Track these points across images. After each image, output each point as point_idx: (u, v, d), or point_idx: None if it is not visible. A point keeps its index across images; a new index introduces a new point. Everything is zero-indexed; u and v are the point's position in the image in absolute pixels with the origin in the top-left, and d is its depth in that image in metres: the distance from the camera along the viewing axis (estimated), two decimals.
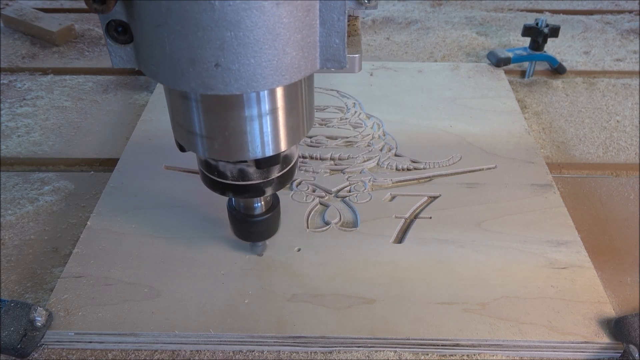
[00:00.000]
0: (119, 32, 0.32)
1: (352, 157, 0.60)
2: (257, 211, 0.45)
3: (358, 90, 0.72)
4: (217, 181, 0.41)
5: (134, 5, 0.30)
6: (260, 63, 0.31)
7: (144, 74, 0.77)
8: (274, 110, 0.35)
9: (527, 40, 0.79)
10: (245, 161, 0.38)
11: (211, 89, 0.31)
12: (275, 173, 0.40)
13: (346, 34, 0.33)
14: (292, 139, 0.38)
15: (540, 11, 1.00)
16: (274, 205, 0.45)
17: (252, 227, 0.45)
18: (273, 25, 0.30)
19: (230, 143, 0.36)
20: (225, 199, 0.53)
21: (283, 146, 0.37)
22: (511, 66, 0.79)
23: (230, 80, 0.31)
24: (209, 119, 0.35)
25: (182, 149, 0.40)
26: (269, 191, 0.41)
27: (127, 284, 0.46)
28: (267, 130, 0.36)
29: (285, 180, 0.42)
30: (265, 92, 0.34)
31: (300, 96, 0.36)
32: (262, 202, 0.44)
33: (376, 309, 0.44)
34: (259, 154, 0.37)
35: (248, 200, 0.44)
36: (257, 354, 0.43)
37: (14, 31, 0.92)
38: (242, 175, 0.39)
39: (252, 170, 0.39)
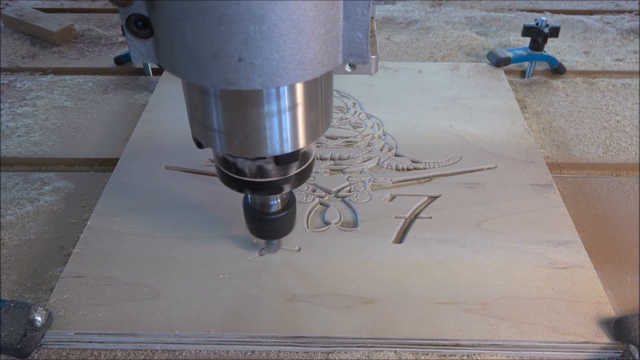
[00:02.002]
0: (139, 26, 0.32)
1: (352, 157, 0.60)
2: (273, 209, 0.44)
3: (358, 90, 0.72)
4: (235, 178, 0.40)
5: None
6: (284, 57, 0.30)
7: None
8: (294, 107, 0.35)
9: (527, 40, 0.79)
10: (264, 158, 0.38)
11: (233, 84, 0.31)
12: (294, 170, 0.40)
13: (369, 29, 0.32)
14: (311, 135, 0.37)
15: (540, 11, 1.00)
16: (290, 202, 0.45)
17: (268, 225, 0.45)
18: (297, 19, 0.29)
19: (250, 139, 0.35)
20: (229, 198, 0.53)
21: (302, 143, 0.37)
22: (511, 66, 0.79)
23: (253, 75, 0.30)
24: (228, 115, 0.35)
25: (199, 145, 0.39)
26: (286, 188, 0.41)
27: (127, 284, 0.46)
28: (287, 127, 0.35)
29: (303, 177, 0.41)
30: (286, 87, 0.34)
31: (320, 92, 0.36)
32: (279, 200, 0.44)
33: (376, 309, 0.44)
34: (278, 151, 0.36)
35: (264, 198, 0.43)
36: (257, 354, 0.43)
37: (14, 31, 0.92)
38: (261, 172, 0.39)
39: (270, 167, 0.39)
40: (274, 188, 0.40)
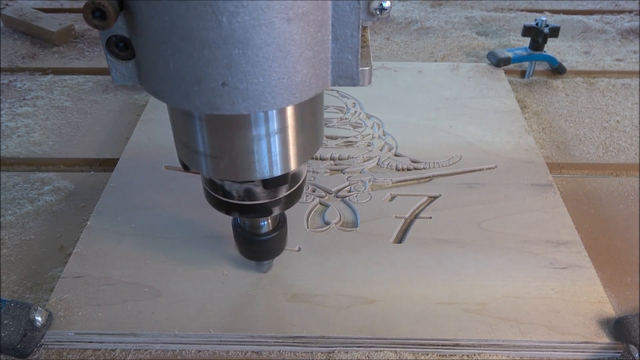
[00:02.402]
0: (120, 47, 0.31)
1: (352, 157, 0.60)
2: (264, 230, 0.43)
3: (358, 90, 0.72)
4: (223, 201, 0.39)
5: (136, 21, 0.29)
6: (270, 82, 0.29)
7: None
8: (282, 130, 0.34)
9: (527, 40, 0.79)
10: (252, 181, 0.37)
11: (218, 108, 0.30)
12: (283, 192, 0.39)
13: (359, 50, 0.31)
14: (301, 158, 0.36)
15: (540, 11, 1.00)
16: (280, 223, 0.44)
17: (258, 247, 0.44)
18: (283, 43, 0.28)
19: (237, 163, 0.34)
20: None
21: (292, 166, 0.36)
22: (511, 66, 0.79)
23: (238, 99, 0.29)
24: (214, 139, 0.34)
25: (185, 168, 0.39)
26: (276, 211, 0.40)
27: (127, 284, 0.46)
28: (275, 150, 0.34)
29: (293, 199, 0.40)
30: (274, 111, 0.33)
31: (309, 114, 0.35)
32: (269, 221, 0.43)
33: (376, 309, 0.44)
34: (266, 174, 0.35)
35: (254, 219, 0.42)
36: (257, 354, 0.43)
37: (14, 31, 0.92)
38: (249, 195, 0.38)
39: (259, 189, 0.38)
40: (263, 211, 0.39)
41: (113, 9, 0.28)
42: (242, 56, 0.28)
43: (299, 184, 0.40)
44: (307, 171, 0.58)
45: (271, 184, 0.37)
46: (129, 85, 0.77)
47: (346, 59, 0.31)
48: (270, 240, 0.43)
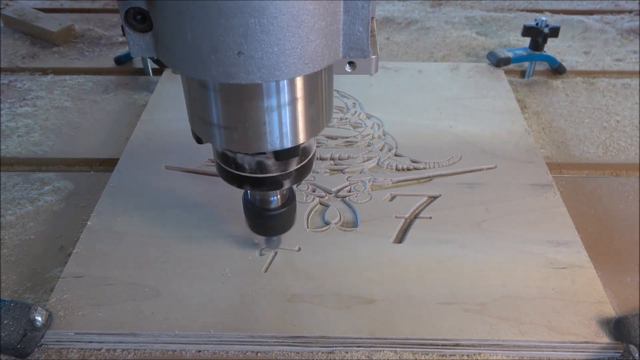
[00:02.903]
0: (138, 20, 0.32)
1: (352, 157, 0.60)
2: (273, 205, 0.44)
3: (358, 90, 0.72)
4: (234, 174, 0.40)
5: None
6: (284, 51, 0.30)
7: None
8: (294, 101, 0.35)
9: (527, 40, 0.79)
10: (264, 153, 0.38)
11: (233, 77, 0.31)
12: (294, 165, 0.40)
13: (370, 23, 0.32)
14: (312, 130, 0.37)
15: (540, 11, 1.00)
16: (290, 199, 0.45)
17: (267, 222, 0.45)
18: (297, 12, 0.29)
19: (249, 134, 0.35)
20: (229, 198, 0.52)
21: (302, 138, 0.37)
22: (511, 66, 0.79)
23: (253, 68, 0.30)
24: (228, 109, 0.35)
25: (199, 140, 0.39)
26: (286, 184, 0.41)
27: (127, 284, 0.46)
28: (287, 121, 0.35)
29: (303, 172, 0.41)
30: (286, 81, 0.33)
31: (320, 87, 0.36)
32: (279, 196, 0.44)
33: (376, 309, 0.44)
34: (278, 146, 0.36)
35: (264, 194, 0.43)
36: (257, 354, 0.43)
37: (14, 31, 0.92)
38: (260, 167, 0.39)
39: (270, 162, 0.39)
40: (274, 184, 0.40)
41: None
42: (258, 25, 0.29)
43: (308, 158, 0.41)
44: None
45: (282, 155, 0.37)
46: (129, 85, 0.78)
47: (357, 31, 0.32)
48: (279, 216, 0.44)
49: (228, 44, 0.29)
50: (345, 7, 0.32)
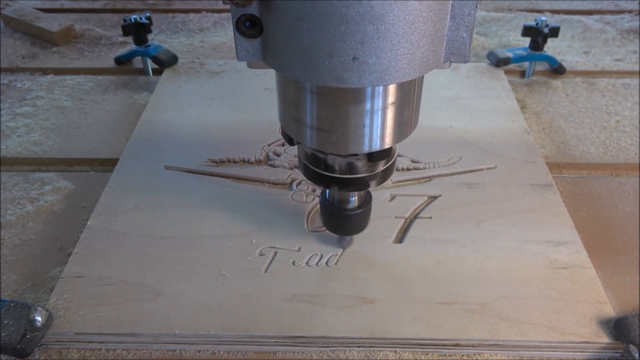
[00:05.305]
0: (247, 26, 0.32)
1: None
2: (351, 205, 0.45)
3: None
4: (323, 174, 0.41)
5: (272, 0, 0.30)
6: (396, 56, 0.31)
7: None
8: (392, 104, 0.35)
9: (527, 40, 0.79)
10: (356, 155, 0.39)
11: (345, 82, 0.31)
12: (381, 167, 0.41)
13: (473, 28, 0.33)
14: (404, 133, 0.38)
15: (540, 11, 1.00)
16: (367, 200, 0.46)
17: (345, 221, 0.46)
18: (413, 19, 0.30)
19: (348, 136, 0.36)
20: (229, 198, 0.52)
21: (395, 140, 0.38)
22: (511, 66, 0.79)
23: (365, 73, 0.31)
24: (328, 112, 0.35)
25: (290, 141, 0.40)
26: (373, 185, 0.41)
27: (127, 284, 0.46)
28: (385, 124, 0.36)
29: (388, 173, 0.42)
30: (391, 85, 0.34)
31: (414, 90, 0.37)
32: (356, 197, 0.45)
33: (376, 309, 0.44)
34: (373, 148, 0.37)
35: (343, 194, 0.44)
36: (257, 354, 0.43)
37: (14, 31, 0.92)
38: (350, 168, 0.40)
39: (360, 163, 0.39)
40: (362, 184, 0.41)
41: None
42: (376, 32, 0.29)
43: (393, 159, 0.42)
44: None
45: (376, 157, 0.38)
46: (129, 85, 0.78)
47: (460, 37, 0.33)
48: (357, 216, 0.45)
49: (344, 50, 0.30)
50: (452, 14, 0.32)
